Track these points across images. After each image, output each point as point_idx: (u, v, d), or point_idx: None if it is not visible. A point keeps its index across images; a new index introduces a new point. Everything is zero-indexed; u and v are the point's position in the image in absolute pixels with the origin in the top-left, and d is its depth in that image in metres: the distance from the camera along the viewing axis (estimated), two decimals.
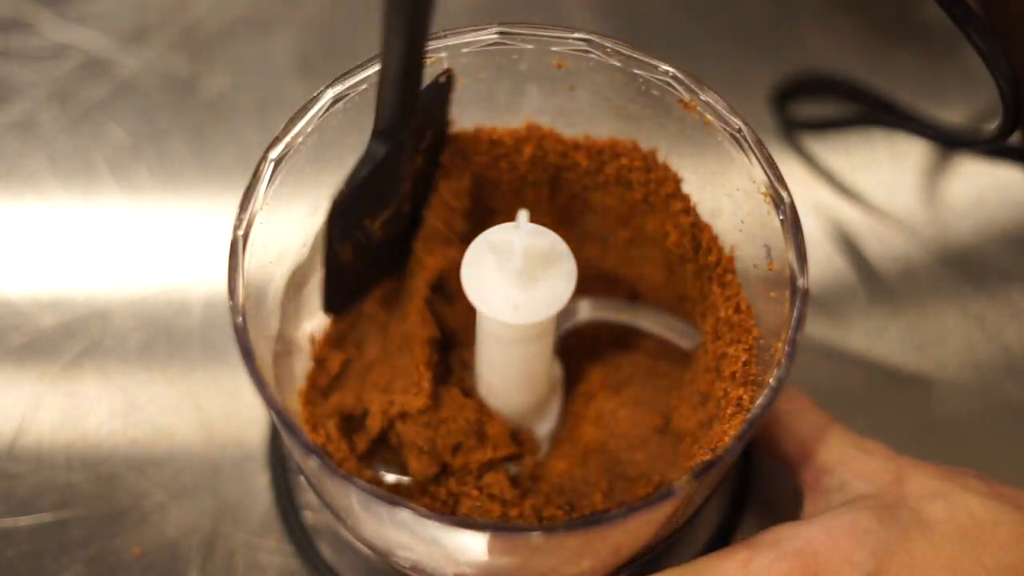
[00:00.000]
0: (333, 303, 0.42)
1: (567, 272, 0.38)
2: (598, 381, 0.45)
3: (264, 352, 0.38)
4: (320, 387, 0.44)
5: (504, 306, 0.37)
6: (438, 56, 0.41)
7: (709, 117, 0.40)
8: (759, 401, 0.36)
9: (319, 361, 0.44)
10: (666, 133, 0.42)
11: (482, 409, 0.43)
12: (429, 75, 0.41)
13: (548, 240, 0.38)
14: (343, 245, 0.40)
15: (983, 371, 0.53)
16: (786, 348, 0.36)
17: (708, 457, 0.38)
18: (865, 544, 0.37)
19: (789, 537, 0.38)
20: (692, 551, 0.47)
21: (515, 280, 0.37)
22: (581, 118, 0.44)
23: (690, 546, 0.47)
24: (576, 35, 0.41)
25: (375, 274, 0.44)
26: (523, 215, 0.37)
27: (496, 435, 0.42)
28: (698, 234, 0.42)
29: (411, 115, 0.38)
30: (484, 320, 0.40)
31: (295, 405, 0.42)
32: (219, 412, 0.51)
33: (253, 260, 0.38)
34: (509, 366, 0.42)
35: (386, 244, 0.42)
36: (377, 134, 0.38)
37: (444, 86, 0.41)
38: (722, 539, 0.48)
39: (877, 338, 0.53)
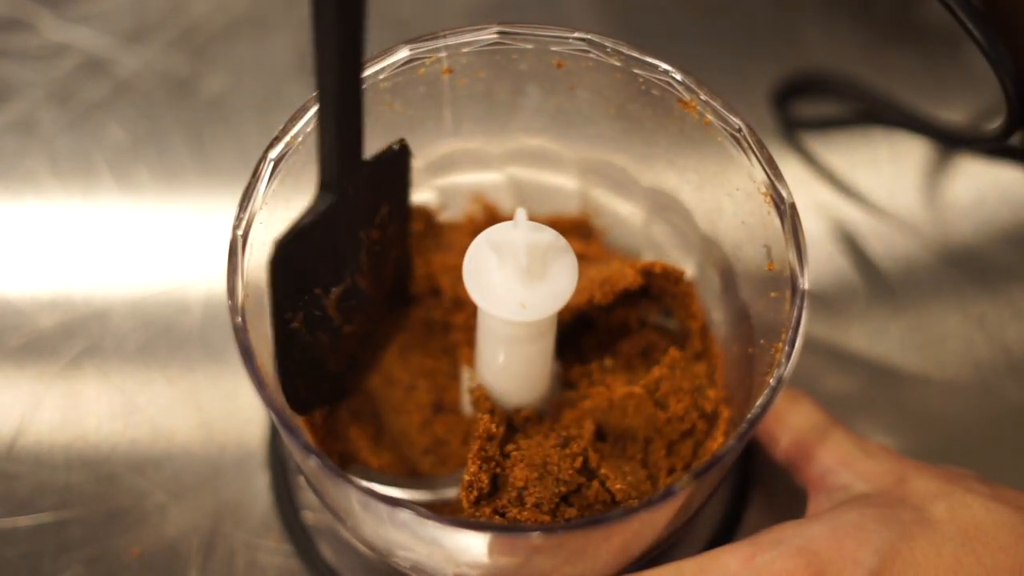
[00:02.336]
0: (294, 395, 0.40)
1: (569, 267, 0.38)
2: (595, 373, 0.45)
3: (264, 352, 0.38)
4: None
5: (510, 304, 0.37)
6: (438, 56, 0.41)
7: (709, 117, 0.40)
8: (759, 401, 0.36)
9: None
10: (666, 133, 0.42)
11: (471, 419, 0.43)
12: (427, 80, 0.42)
13: (549, 236, 0.38)
14: (294, 313, 0.39)
15: (984, 371, 0.53)
16: (786, 348, 0.36)
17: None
18: (868, 543, 0.37)
19: (792, 535, 0.38)
20: (694, 551, 0.46)
21: (519, 278, 0.37)
22: (581, 118, 0.44)
23: (691, 546, 0.47)
24: (576, 35, 0.40)
25: (348, 375, 0.43)
26: (521, 213, 0.37)
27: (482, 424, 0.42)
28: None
29: (354, 163, 0.37)
30: (487, 319, 0.40)
31: None
32: (219, 412, 0.51)
33: (253, 260, 0.37)
34: (511, 366, 0.42)
35: (351, 338, 0.42)
36: (321, 186, 0.37)
37: (399, 154, 0.40)
38: (724, 539, 0.48)
39: (878, 338, 0.53)
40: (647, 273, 0.44)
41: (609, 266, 0.45)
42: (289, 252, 0.37)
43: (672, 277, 0.44)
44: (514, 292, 0.37)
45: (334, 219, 0.37)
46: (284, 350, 0.39)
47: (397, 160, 0.41)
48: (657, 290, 0.45)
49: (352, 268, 0.41)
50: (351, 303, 0.41)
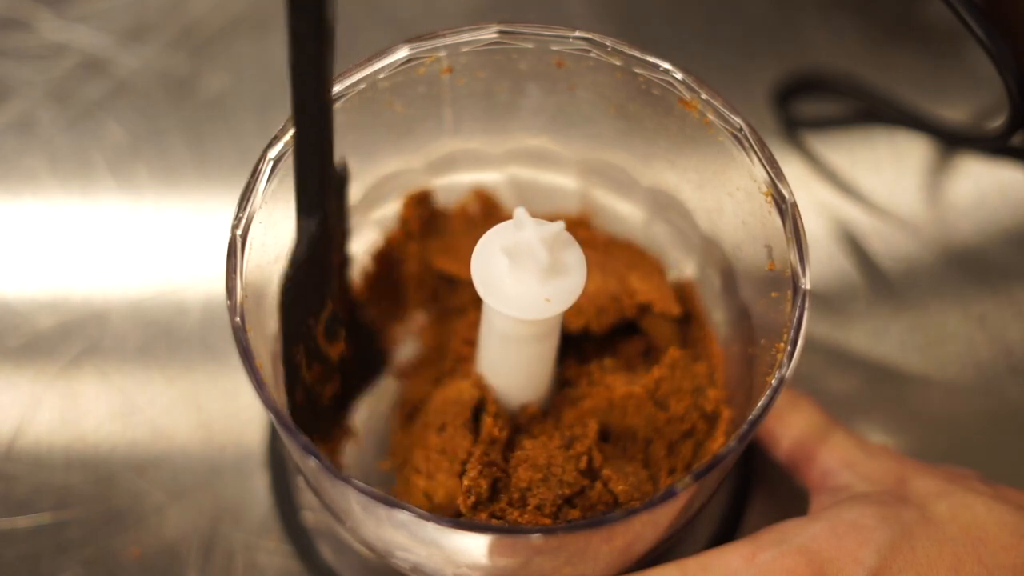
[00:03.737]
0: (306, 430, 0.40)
1: (579, 257, 0.38)
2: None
3: (263, 352, 0.38)
4: None
5: (536, 303, 0.37)
6: (437, 55, 0.41)
7: (710, 116, 0.40)
8: (760, 402, 0.36)
9: None
10: (666, 132, 0.42)
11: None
12: (427, 79, 0.41)
13: (555, 228, 0.37)
14: (297, 346, 0.39)
15: (984, 371, 0.53)
16: (788, 348, 0.36)
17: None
18: (869, 541, 0.37)
19: (794, 533, 0.38)
20: (695, 550, 0.46)
21: (539, 276, 0.37)
22: (581, 118, 0.43)
23: (693, 545, 0.47)
24: (576, 34, 0.40)
25: (340, 407, 0.43)
26: (522, 212, 0.37)
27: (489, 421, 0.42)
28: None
29: (329, 183, 0.37)
30: (494, 320, 0.40)
31: None
32: (218, 412, 0.50)
33: (251, 260, 0.37)
34: (517, 366, 0.42)
35: (334, 366, 0.42)
36: (303, 211, 0.36)
37: (343, 176, 0.40)
38: (725, 538, 0.48)
39: (878, 338, 0.53)
40: (643, 309, 0.44)
41: (606, 285, 0.45)
42: (292, 285, 0.37)
43: (667, 318, 0.44)
44: (536, 291, 0.37)
45: (320, 244, 0.37)
46: (291, 388, 0.39)
47: (343, 182, 0.41)
48: (648, 324, 0.45)
49: (329, 292, 0.40)
50: (332, 328, 0.41)
